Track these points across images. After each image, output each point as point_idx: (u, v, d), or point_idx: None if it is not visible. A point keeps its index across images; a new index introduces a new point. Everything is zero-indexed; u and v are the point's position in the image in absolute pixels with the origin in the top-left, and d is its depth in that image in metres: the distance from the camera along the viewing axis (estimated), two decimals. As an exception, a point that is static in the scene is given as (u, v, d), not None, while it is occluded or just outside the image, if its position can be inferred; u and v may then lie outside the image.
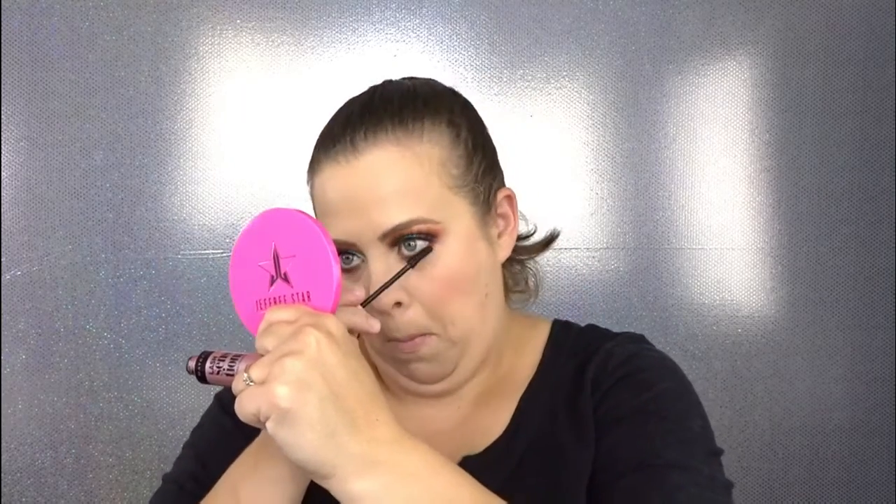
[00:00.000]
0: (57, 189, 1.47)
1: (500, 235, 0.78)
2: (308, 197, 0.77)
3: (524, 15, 1.50)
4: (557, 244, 0.88)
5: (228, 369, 0.61)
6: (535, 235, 0.87)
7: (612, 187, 1.51)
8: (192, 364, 0.62)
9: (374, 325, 0.65)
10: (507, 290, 0.84)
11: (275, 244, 0.62)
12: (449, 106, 0.76)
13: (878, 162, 1.51)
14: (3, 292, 1.45)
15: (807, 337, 1.52)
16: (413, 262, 0.70)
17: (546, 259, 0.87)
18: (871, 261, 1.52)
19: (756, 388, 1.52)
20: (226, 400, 0.83)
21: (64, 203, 1.47)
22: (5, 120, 1.45)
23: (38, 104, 1.46)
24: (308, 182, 0.76)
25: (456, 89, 0.81)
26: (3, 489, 1.46)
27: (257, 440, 0.67)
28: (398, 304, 0.71)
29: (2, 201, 1.45)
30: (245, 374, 0.56)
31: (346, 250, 0.71)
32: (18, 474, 1.47)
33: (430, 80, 0.80)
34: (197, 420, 0.86)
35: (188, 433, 0.85)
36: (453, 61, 1.50)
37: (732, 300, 1.52)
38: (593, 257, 1.51)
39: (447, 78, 0.95)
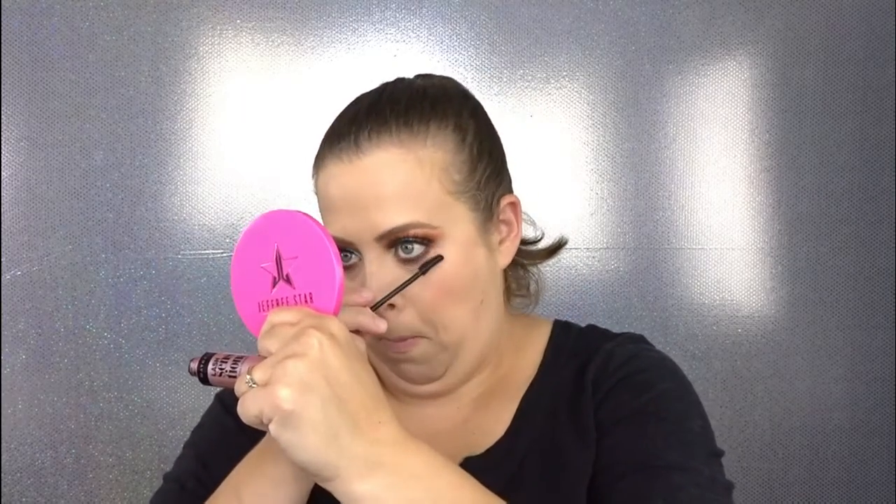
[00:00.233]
0: (57, 189, 1.47)
1: (501, 242, 0.77)
2: (308, 197, 0.77)
3: (524, 15, 1.50)
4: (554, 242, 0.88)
5: (231, 371, 0.61)
6: (542, 241, 0.87)
7: (612, 187, 1.51)
8: (194, 365, 0.62)
9: (381, 326, 0.65)
10: (510, 293, 0.84)
11: (277, 245, 0.62)
12: (457, 109, 0.75)
13: (878, 162, 1.51)
14: (3, 292, 1.45)
15: (807, 337, 1.52)
16: (424, 269, 0.70)
17: (546, 259, 0.87)
18: (871, 261, 1.52)
19: (756, 388, 1.52)
20: (227, 399, 0.83)
21: (64, 203, 1.47)
22: (5, 120, 1.44)
23: (38, 104, 1.45)
24: (313, 176, 0.76)
25: (469, 91, 0.80)
26: (3, 489, 1.46)
27: (261, 442, 0.67)
28: (392, 306, 0.71)
29: (2, 201, 1.45)
30: (248, 376, 0.56)
31: (345, 248, 0.72)
32: (18, 474, 1.47)
33: (445, 80, 0.80)
34: (197, 420, 0.86)
35: (188, 433, 0.85)
36: (453, 61, 1.50)
37: (732, 300, 1.52)
38: (593, 257, 1.51)
39: (448, 78, 0.94)
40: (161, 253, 1.48)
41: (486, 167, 0.75)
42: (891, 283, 1.51)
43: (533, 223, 0.86)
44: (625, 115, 1.51)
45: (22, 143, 1.45)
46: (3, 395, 1.45)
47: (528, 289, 0.85)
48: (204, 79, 1.48)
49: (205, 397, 0.96)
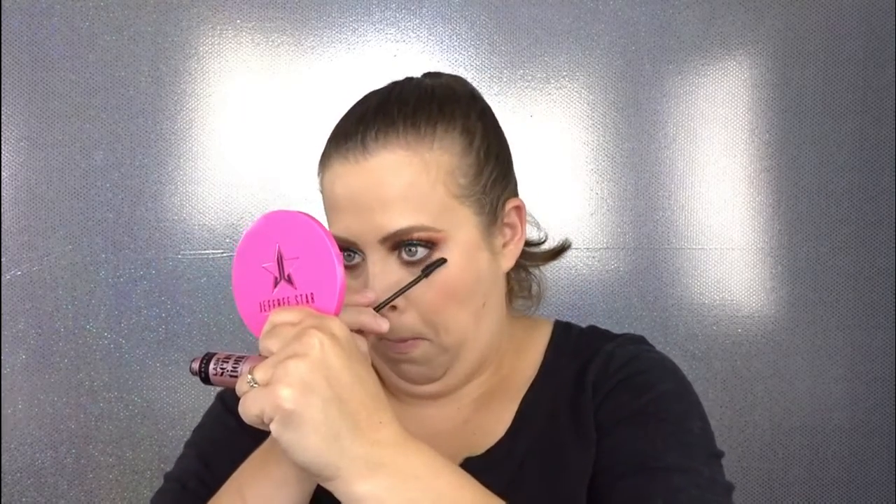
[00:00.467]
0: (57, 189, 1.47)
1: (505, 245, 0.77)
2: (308, 197, 0.77)
3: (524, 15, 1.50)
4: (556, 243, 0.88)
5: (232, 371, 0.61)
6: (545, 243, 0.87)
7: (612, 187, 1.51)
8: (195, 365, 0.62)
9: (383, 325, 0.66)
10: (513, 294, 0.84)
11: (279, 246, 0.62)
12: (465, 111, 0.75)
13: (878, 162, 1.51)
14: (3, 292, 1.45)
15: (807, 337, 1.52)
16: (427, 271, 0.70)
17: (546, 259, 0.87)
18: (871, 261, 1.52)
19: (756, 388, 1.52)
20: (229, 399, 0.83)
21: (64, 203, 1.47)
22: (5, 120, 1.44)
23: (38, 104, 1.45)
24: (318, 174, 0.75)
25: (478, 92, 0.80)
26: (3, 489, 1.46)
27: (265, 444, 0.67)
28: (394, 307, 0.71)
29: (2, 201, 1.45)
30: (249, 376, 0.56)
31: (349, 248, 0.72)
32: (18, 474, 1.47)
33: (454, 80, 0.80)
34: (198, 420, 0.86)
35: (188, 433, 0.85)
36: (453, 61, 1.50)
37: (732, 300, 1.52)
38: (593, 257, 1.51)
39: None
40: (161, 253, 1.48)
41: (492, 171, 0.75)
42: (891, 283, 1.51)
43: (537, 224, 0.86)
44: (625, 115, 1.51)
45: (22, 143, 1.45)
46: (3, 395, 1.45)
47: (529, 291, 0.85)
48: (204, 79, 1.48)
49: (205, 397, 0.96)
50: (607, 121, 1.51)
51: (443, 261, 0.70)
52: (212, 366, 0.62)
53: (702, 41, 1.51)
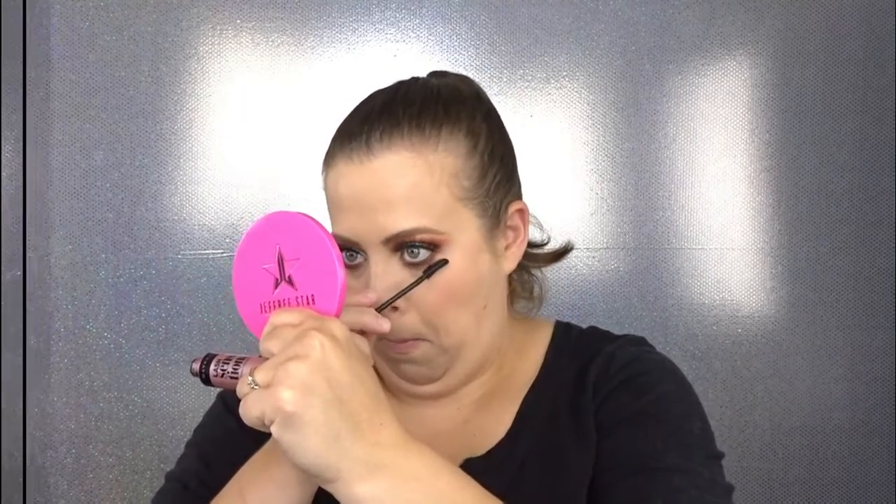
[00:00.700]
0: (57, 189, 1.47)
1: (507, 248, 0.77)
2: (308, 197, 0.77)
3: (524, 15, 1.50)
4: (558, 244, 0.88)
5: (233, 372, 0.61)
6: (548, 245, 0.87)
7: (612, 187, 1.51)
8: (196, 366, 0.62)
9: (385, 325, 0.66)
10: (515, 296, 0.84)
11: (279, 247, 0.62)
12: (470, 113, 0.75)
13: (878, 162, 1.51)
14: (3, 292, 1.45)
15: (807, 337, 1.52)
16: (429, 272, 0.70)
17: (546, 259, 0.87)
18: (871, 261, 1.52)
19: (756, 388, 1.52)
20: (229, 399, 0.83)
21: (64, 203, 1.47)
22: (5, 120, 1.44)
23: (38, 104, 1.45)
24: (322, 172, 0.75)
25: (483, 93, 0.80)
26: (3, 489, 1.45)
27: (266, 445, 0.67)
28: (395, 308, 0.71)
29: (2, 201, 1.45)
30: (249, 378, 0.56)
31: (351, 248, 0.72)
32: (18, 474, 1.47)
33: (460, 80, 0.79)
34: (197, 420, 0.86)
35: (189, 433, 0.85)
36: (453, 61, 1.50)
37: (732, 300, 1.52)
38: (593, 257, 1.51)
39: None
40: (161, 253, 1.48)
41: (496, 173, 0.75)
42: (891, 283, 1.51)
43: (540, 226, 0.86)
44: (625, 115, 1.51)
45: (22, 143, 1.45)
46: (3, 395, 1.45)
47: (531, 292, 0.86)
48: (204, 79, 1.48)
49: (205, 397, 0.96)
50: (607, 121, 1.51)
51: (444, 262, 0.70)
52: (212, 367, 0.62)
53: (702, 41, 1.51)
